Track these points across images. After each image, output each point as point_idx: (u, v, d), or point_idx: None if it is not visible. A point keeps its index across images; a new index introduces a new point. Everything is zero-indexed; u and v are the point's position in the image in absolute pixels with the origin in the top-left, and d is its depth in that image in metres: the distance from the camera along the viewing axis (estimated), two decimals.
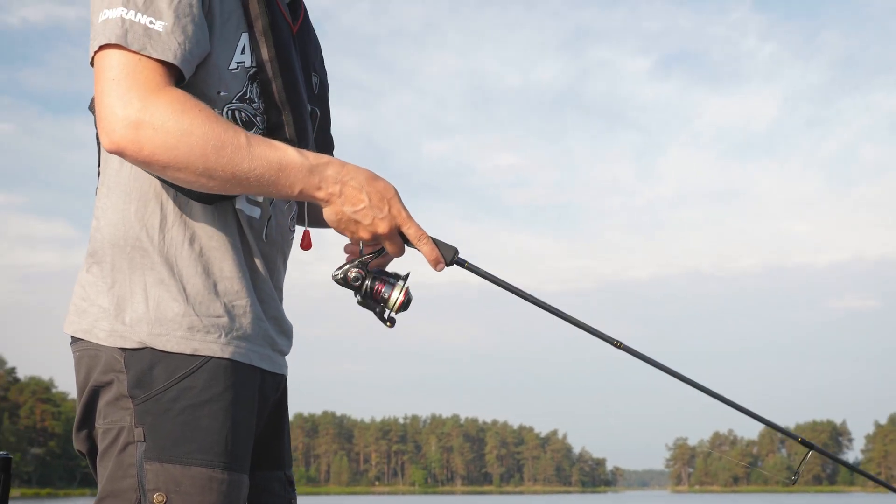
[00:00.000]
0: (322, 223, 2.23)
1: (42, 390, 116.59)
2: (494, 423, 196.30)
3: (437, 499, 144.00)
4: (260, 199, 2.01)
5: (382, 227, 1.90)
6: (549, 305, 2.06)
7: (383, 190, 1.90)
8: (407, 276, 2.00)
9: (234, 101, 1.94)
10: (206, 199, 1.91)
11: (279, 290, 2.10)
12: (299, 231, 2.17)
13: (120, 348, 1.87)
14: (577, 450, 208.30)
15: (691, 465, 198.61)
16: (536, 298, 2.05)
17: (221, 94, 1.92)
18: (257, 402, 1.98)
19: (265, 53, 1.95)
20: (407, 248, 1.98)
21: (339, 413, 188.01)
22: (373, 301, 1.99)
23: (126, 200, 1.92)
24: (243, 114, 1.95)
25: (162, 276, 1.90)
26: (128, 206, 1.92)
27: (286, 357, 2.11)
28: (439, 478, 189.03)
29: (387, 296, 1.98)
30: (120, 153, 1.78)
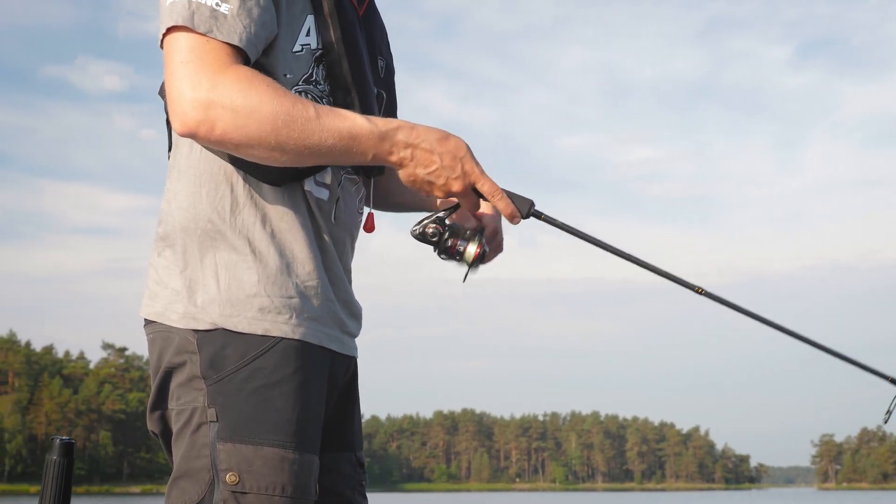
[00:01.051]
0: (390, 207, 2.31)
1: None
2: (635, 419, 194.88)
3: (578, 496, 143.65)
4: (328, 180, 2.01)
5: (457, 186, 1.91)
6: (627, 253, 2.07)
7: (455, 149, 1.90)
8: (482, 229, 2.07)
9: (300, 84, 1.95)
10: (276, 181, 1.92)
11: (348, 271, 2.10)
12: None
13: (192, 330, 1.90)
14: (719, 446, 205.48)
15: (839, 461, 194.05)
16: (613, 247, 2.06)
17: (287, 76, 1.92)
18: (327, 384, 2.00)
19: (332, 35, 1.96)
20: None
21: (478, 410, 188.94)
22: (450, 255, 2.04)
23: (197, 184, 1.94)
24: (310, 96, 1.95)
25: (233, 258, 1.91)
26: (199, 189, 1.94)
27: (356, 339, 2.12)
28: (580, 475, 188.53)
29: (462, 249, 2.03)
30: (192, 135, 1.80)
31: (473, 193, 1.95)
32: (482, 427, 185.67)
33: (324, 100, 1.98)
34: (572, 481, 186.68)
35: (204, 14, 1.80)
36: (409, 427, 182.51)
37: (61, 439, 2.10)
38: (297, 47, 1.94)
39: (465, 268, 2.06)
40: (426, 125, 1.90)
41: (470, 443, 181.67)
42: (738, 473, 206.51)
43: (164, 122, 2.00)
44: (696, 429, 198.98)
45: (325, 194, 2.01)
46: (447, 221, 2.05)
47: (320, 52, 1.97)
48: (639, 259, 2.08)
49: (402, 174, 1.91)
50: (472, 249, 2.03)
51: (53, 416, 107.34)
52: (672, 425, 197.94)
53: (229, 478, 1.84)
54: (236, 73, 1.79)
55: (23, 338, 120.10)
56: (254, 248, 1.92)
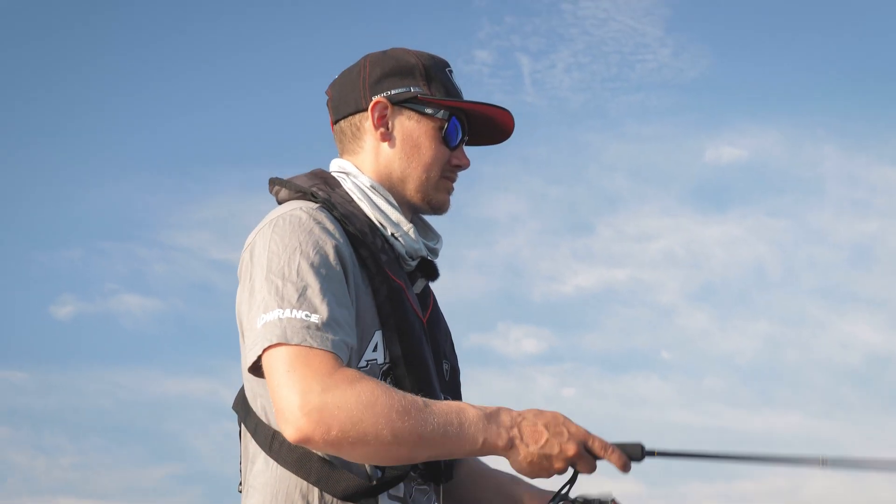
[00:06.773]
0: None
1: None
2: None
3: None
4: (401, 493, 2.01)
5: (572, 450, 1.87)
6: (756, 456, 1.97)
7: (553, 418, 1.89)
8: (611, 497, 1.99)
9: None
10: (352, 497, 1.91)
11: None
12: None
13: None
14: None
15: None
16: (741, 455, 1.97)
17: None
18: None
19: (397, 350, 2.00)
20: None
21: None
22: None
23: (272, 502, 1.95)
24: None
25: None
26: None
27: None
28: None
29: None
30: (307, 441, 1.79)
31: (588, 454, 1.91)
32: None
33: None
34: None
35: (296, 326, 1.83)
36: None
37: None
38: (362, 363, 1.96)
39: None
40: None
41: None
42: None
43: (238, 436, 2.09)
44: None
45: None
46: (572, 496, 1.99)
47: (387, 366, 2.00)
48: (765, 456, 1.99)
49: (517, 460, 1.87)
50: None
51: None
52: None
53: None
54: (344, 374, 1.80)
55: None
56: None
